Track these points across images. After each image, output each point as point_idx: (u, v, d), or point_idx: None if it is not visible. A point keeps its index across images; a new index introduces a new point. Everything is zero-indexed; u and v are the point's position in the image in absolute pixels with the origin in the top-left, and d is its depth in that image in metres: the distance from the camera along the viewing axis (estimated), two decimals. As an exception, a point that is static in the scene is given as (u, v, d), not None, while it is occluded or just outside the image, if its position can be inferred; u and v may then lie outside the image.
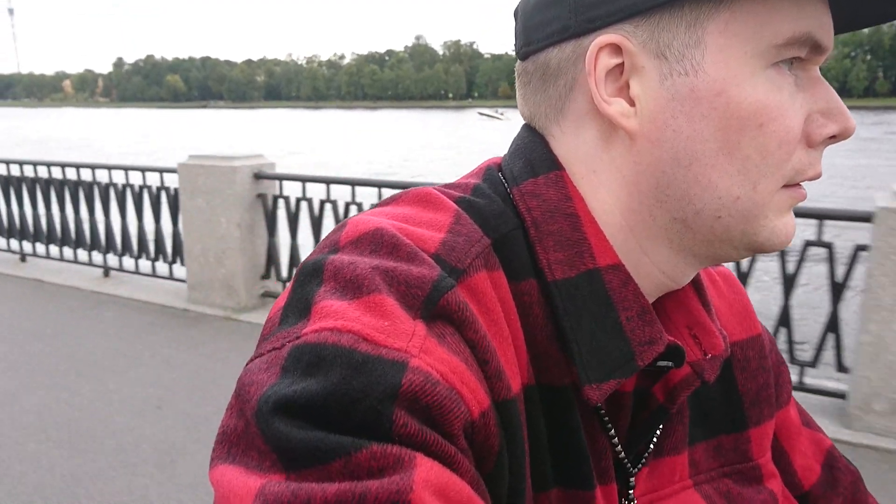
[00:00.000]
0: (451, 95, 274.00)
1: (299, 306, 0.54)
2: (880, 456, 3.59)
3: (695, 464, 0.73)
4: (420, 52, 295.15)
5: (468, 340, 0.54)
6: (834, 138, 0.63)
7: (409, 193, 0.66)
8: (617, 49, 0.61)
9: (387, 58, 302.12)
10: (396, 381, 0.47)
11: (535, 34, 0.66)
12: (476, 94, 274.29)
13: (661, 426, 0.70)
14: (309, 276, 0.56)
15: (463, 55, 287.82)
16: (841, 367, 4.09)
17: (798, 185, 0.63)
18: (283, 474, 0.45)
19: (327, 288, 0.54)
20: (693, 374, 0.68)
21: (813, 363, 4.13)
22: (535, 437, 0.60)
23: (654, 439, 0.70)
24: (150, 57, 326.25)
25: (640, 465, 0.69)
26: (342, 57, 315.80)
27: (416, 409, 0.47)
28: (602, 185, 0.64)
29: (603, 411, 0.66)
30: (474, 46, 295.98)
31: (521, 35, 0.69)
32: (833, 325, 4.04)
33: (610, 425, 0.66)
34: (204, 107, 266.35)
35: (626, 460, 0.68)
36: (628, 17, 0.60)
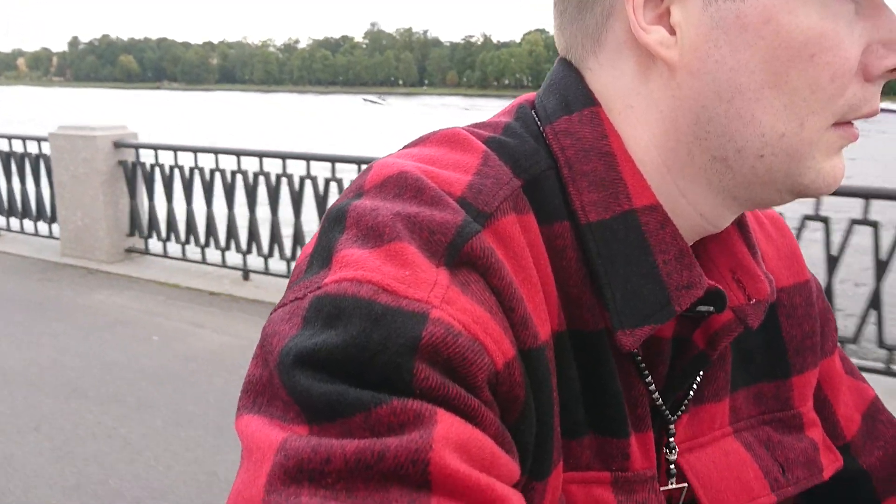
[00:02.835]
0: (401, 82, 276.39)
1: (322, 254, 0.52)
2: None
3: (735, 410, 0.70)
4: (378, 38, 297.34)
5: (493, 288, 0.51)
6: (895, 72, 0.56)
7: (436, 134, 0.62)
8: None
9: (342, 43, 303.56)
10: (416, 333, 0.45)
11: None
12: (427, 82, 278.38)
13: (701, 373, 0.66)
14: (333, 223, 0.53)
15: (415, 42, 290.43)
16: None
17: (850, 123, 0.58)
18: (307, 426, 0.44)
19: (349, 235, 0.52)
20: (735, 320, 0.63)
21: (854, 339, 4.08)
22: (566, 384, 0.57)
23: (695, 386, 0.66)
24: (105, 36, 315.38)
25: (679, 413, 0.65)
26: (297, 41, 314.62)
27: (437, 362, 0.45)
28: (639, 121, 0.60)
29: (639, 357, 0.62)
30: (428, 34, 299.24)
31: None
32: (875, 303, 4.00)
33: (647, 372, 0.62)
34: (157, 88, 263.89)
35: (663, 408, 0.64)
36: None
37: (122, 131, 6.71)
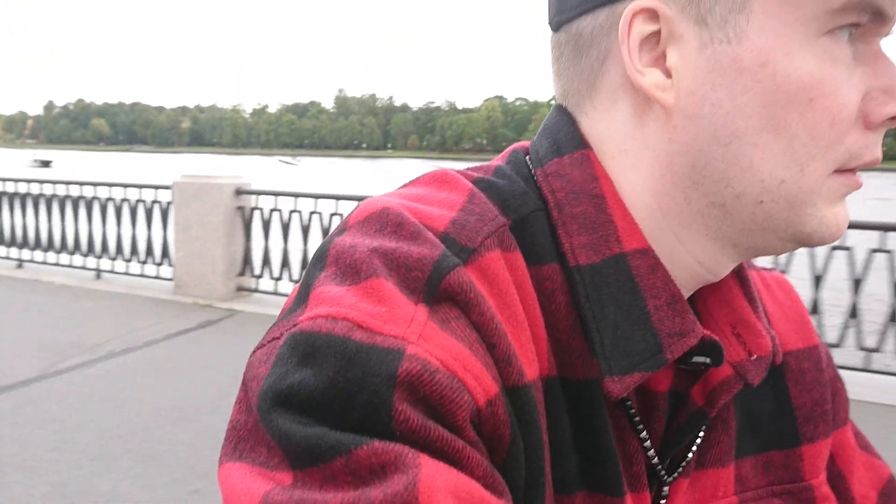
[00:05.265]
0: (364, 146, 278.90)
1: (302, 291, 0.50)
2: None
3: (741, 480, 0.64)
4: (345, 103, 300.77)
5: (474, 323, 0.48)
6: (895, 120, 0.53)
7: (426, 175, 0.60)
8: (654, 15, 0.53)
9: (310, 108, 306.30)
10: (392, 370, 0.42)
11: (568, 1, 0.58)
12: (390, 145, 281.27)
13: (700, 433, 0.62)
14: (316, 261, 0.52)
15: (379, 108, 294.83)
16: None
17: (852, 170, 0.54)
18: (291, 472, 0.42)
19: (328, 273, 0.50)
20: (735, 376, 0.59)
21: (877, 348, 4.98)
22: (558, 435, 0.53)
23: (695, 448, 0.61)
24: (80, 100, 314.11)
25: (675, 475, 0.60)
26: (266, 106, 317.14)
27: (415, 400, 0.42)
28: (633, 165, 0.56)
29: (633, 411, 0.57)
30: (391, 101, 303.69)
31: (554, 2, 0.61)
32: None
33: (641, 427, 0.58)
34: (127, 150, 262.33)
35: (659, 467, 0.59)
36: None
37: (239, 180, 7.55)
